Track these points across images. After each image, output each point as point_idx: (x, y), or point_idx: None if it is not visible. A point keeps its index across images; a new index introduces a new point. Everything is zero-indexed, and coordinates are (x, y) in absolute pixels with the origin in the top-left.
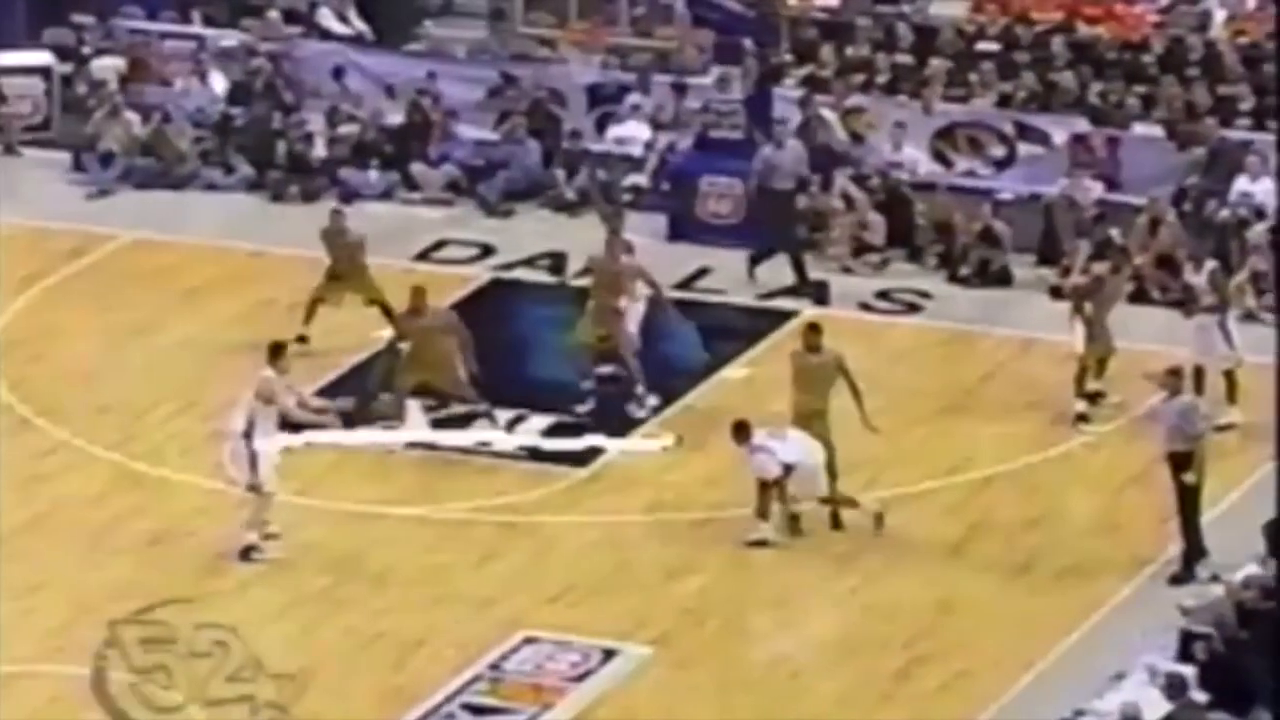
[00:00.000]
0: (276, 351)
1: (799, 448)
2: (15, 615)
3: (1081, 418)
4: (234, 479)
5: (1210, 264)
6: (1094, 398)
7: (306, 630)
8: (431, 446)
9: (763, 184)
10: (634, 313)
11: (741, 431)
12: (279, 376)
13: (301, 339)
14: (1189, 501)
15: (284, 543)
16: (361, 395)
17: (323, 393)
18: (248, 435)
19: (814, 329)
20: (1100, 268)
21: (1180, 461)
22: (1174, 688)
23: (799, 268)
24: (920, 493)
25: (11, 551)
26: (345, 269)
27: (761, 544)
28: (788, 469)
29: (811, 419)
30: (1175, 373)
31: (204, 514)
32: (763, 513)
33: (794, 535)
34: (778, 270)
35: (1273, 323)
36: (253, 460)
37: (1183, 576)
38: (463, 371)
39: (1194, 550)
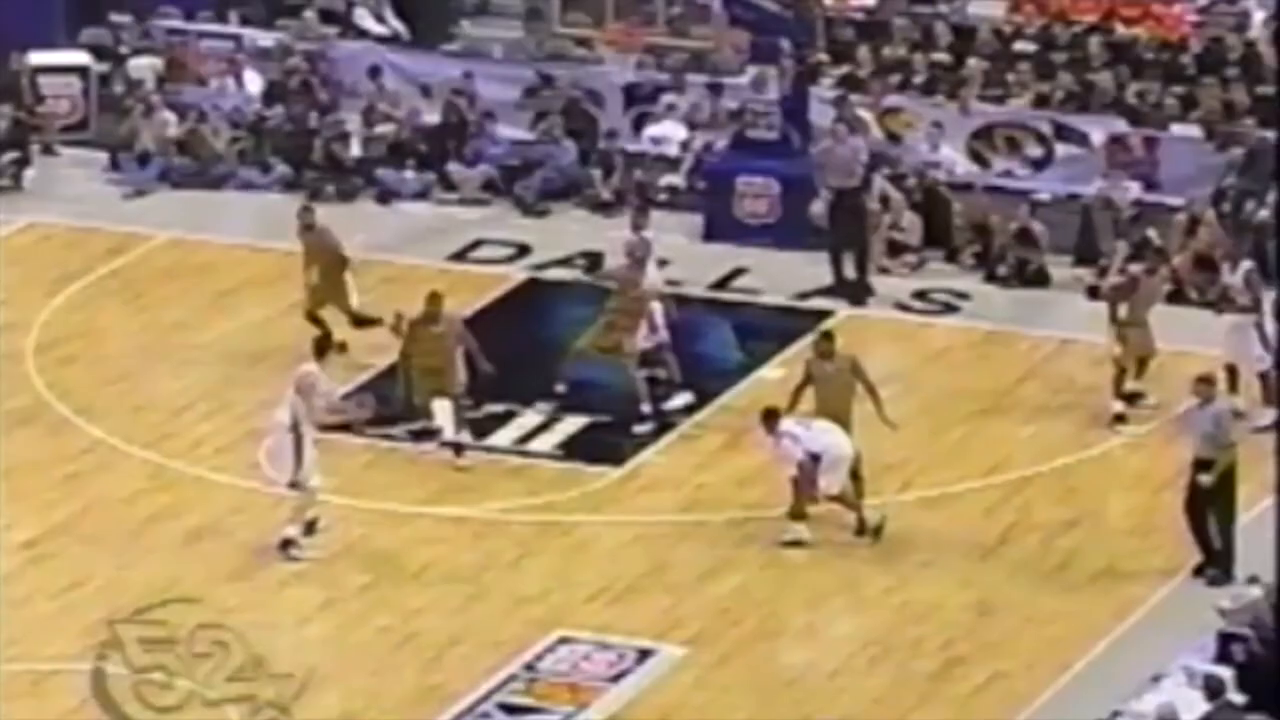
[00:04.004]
0: (321, 347)
1: (826, 438)
2: (52, 613)
3: (1119, 418)
4: (271, 478)
5: (1246, 264)
6: (1133, 398)
7: (342, 629)
8: (460, 446)
9: (828, 183)
10: (646, 326)
11: (770, 419)
12: (320, 372)
13: (342, 346)
14: (1207, 505)
15: (319, 540)
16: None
17: (359, 392)
18: (295, 429)
19: (827, 337)
20: (1136, 268)
21: (1207, 468)
22: (1212, 689)
23: (860, 267)
24: (957, 493)
25: (48, 550)
26: (329, 274)
27: (797, 544)
28: (814, 458)
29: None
30: (1208, 380)
31: (240, 513)
32: (797, 513)
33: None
34: (811, 270)
35: None
36: (297, 455)
37: (1219, 578)
38: (461, 385)
39: (1227, 553)
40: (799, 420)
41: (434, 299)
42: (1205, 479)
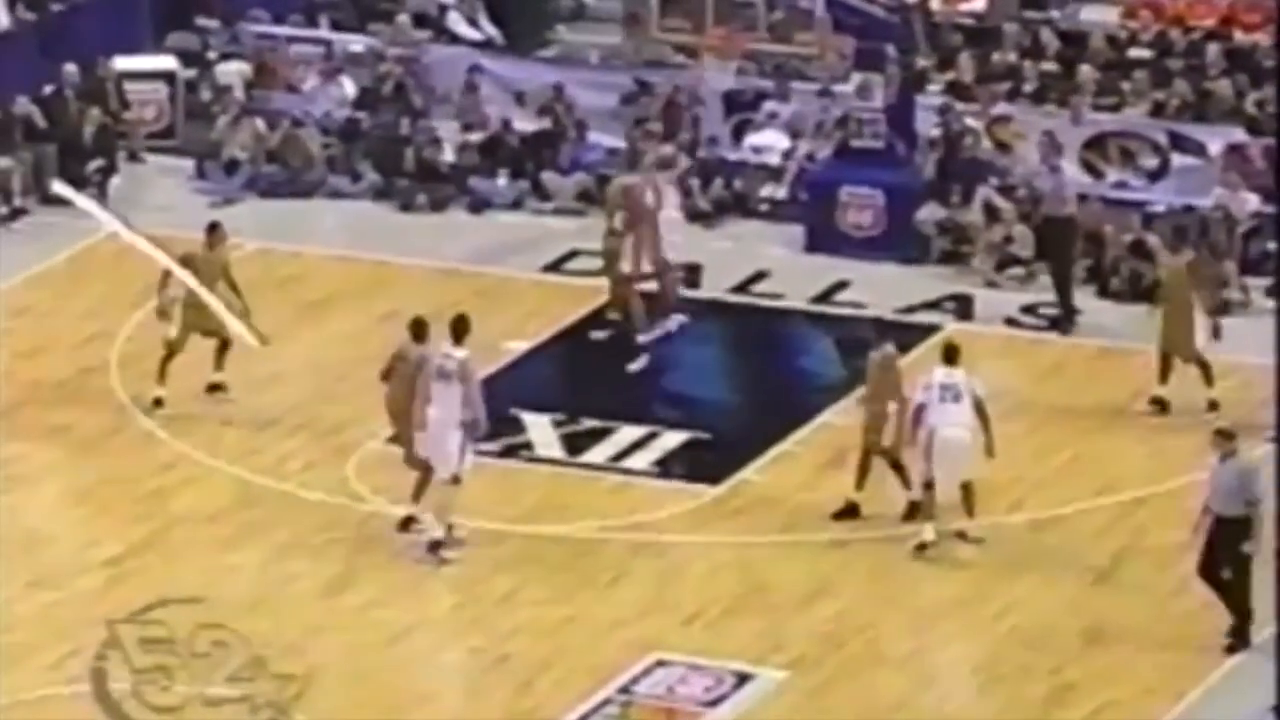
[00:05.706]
0: (459, 329)
1: (953, 420)
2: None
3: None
4: (360, 494)
5: None
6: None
7: (433, 651)
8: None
9: (1048, 213)
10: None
11: (952, 355)
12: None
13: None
14: (1245, 569)
15: (413, 558)
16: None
17: None
18: (464, 425)
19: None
20: (1171, 260)
21: (1236, 527)
22: None
23: (1063, 293)
24: (1068, 515)
25: (132, 567)
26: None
27: (922, 548)
28: (919, 414)
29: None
30: (1227, 434)
31: (326, 530)
32: (927, 514)
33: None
34: (916, 283)
35: None
36: (462, 447)
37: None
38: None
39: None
40: (948, 382)
41: (419, 326)
42: (1250, 547)
